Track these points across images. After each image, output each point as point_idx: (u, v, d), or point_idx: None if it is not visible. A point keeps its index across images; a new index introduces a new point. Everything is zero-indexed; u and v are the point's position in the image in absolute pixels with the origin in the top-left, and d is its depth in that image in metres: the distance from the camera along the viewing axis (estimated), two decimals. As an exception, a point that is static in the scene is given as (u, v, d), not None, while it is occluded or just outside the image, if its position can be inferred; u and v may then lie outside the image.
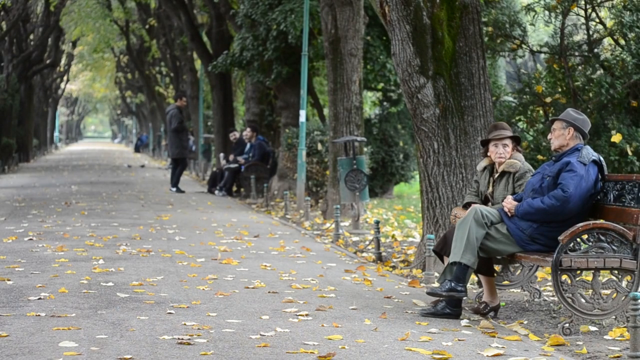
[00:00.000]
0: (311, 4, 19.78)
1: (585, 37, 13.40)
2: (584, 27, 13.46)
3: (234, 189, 23.26)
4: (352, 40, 16.37)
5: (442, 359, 6.29)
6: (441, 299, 7.88)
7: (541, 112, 13.38)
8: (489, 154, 8.57)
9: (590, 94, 12.83)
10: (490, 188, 8.53)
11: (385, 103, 25.19)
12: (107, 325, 7.15)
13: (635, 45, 12.59)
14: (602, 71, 13.01)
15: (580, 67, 13.36)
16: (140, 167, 40.28)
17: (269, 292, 8.84)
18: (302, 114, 18.52)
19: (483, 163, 8.68)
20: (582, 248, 7.30)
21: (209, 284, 9.25)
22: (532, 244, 7.78)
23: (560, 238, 7.27)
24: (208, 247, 12.21)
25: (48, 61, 46.68)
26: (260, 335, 6.89)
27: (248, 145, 23.29)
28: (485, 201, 8.58)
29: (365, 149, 17.53)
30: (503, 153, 8.44)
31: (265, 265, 10.61)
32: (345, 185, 15.21)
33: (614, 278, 7.33)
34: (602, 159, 7.83)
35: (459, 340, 6.91)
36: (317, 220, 16.71)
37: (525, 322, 7.91)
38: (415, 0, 10.19)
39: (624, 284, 7.33)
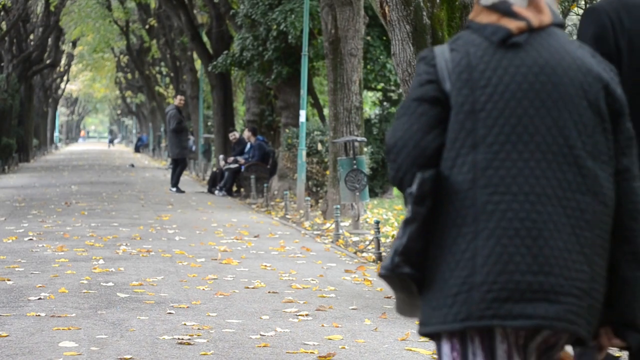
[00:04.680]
0: (311, 4, 19.79)
1: (585, 37, 13.40)
2: (584, 27, 13.46)
3: (234, 189, 23.26)
4: (352, 40, 16.38)
5: (442, 359, 6.28)
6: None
7: (541, 112, 13.38)
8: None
9: (590, 94, 12.84)
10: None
11: (385, 103, 25.19)
12: (107, 325, 7.15)
13: (635, 45, 12.61)
14: (602, 71, 13.02)
15: (580, 67, 13.37)
16: (130, 166, 40.30)
17: (269, 292, 8.84)
18: (302, 114, 18.53)
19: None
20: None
21: (209, 284, 9.25)
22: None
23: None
24: (208, 247, 12.21)
25: (48, 61, 46.69)
26: (260, 335, 6.89)
27: (248, 146, 23.29)
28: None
29: (365, 149, 17.54)
30: None
31: (265, 265, 10.61)
32: (345, 185, 15.22)
33: (614, 278, 7.31)
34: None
35: (459, 340, 6.90)
36: (317, 220, 16.72)
37: (525, 322, 7.91)
38: (415, 0, 10.19)
39: (624, 284, 7.32)
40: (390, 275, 2.79)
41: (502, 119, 2.78)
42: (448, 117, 2.83)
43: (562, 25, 2.91)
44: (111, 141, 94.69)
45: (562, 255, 2.74)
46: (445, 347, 2.82)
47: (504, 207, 2.74)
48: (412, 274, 2.80)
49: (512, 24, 2.83)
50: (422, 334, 2.83)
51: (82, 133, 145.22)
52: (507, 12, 2.86)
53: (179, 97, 24.92)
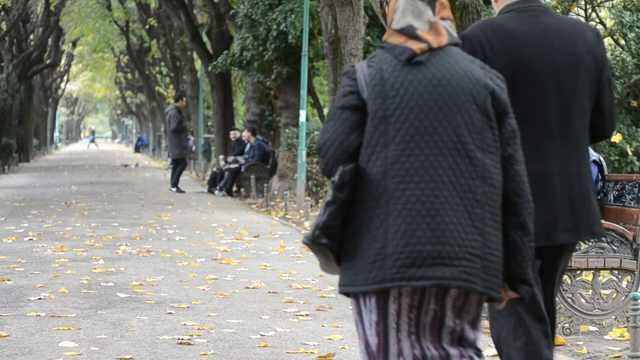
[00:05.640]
0: (311, 4, 19.78)
1: (585, 37, 13.39)
2: (584, 27, 13.45)
3: (234, 189, 23.25)
4: (352, 40, 16.38)
5: (442, 359, 6.28)
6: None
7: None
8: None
9: (591, 94, 12.83)
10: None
11: (385, 103, 25.16)
12: (107, 325, 7.16)
13: (635, 45, 12.61)
14: (602, 71, 13.00)
15: (580, 67, 13.35)
16: (124, 166, 40.32)
17: (269, 292, 8.84)
18: (302, 114, 18.53)
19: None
20: (582, 248, 7.30)
21: (209, 284, 9.25)
22: (532, 244, 7.77)
23: (560, 238, 7.27)
24: (208, 247, 12.21)
25: (48, 61, 46.70)
26: (260, 335, 6.89)
27: (248, 146, 23.29)
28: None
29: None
30: None
31: (265, 265, 10.61)
32: (345, 185, 15.18)
33: (614, 278, 7.33)
34: (602, 159, 7.83)
35: (459, 340, 6.90)
36: (317, 220, 16.70)
37: (525, 322, 7.91)
38: (415, 0, 10.19)
39: (624, 284, 7.33)
40: (311, 244, 3.58)
41: (408, 122, 3.50)
42: (366, 121, 3.54)
43: (457, 44, 3.63)
44: (92, 141, 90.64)
45: (456, 229, 3.45)
46: (356, 303, 3.61)
47: (408, 193, 3.46)
48: (329, 244, 3.55)
49: (416, 46, 3.57)
50: (344, 292, 3.63)
51: (87, 133, 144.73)
52: (412, 35, 3.59)
53: (184, 99, 24.96)
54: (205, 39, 32.88)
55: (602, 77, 4.17)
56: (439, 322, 3.54)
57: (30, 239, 12.82)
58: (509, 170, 3.59)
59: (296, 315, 7.69)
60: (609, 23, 13.56)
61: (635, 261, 7.27)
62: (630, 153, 12.32)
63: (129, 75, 60.55)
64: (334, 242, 3.56)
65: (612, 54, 13.31)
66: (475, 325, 3.60)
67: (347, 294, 3.64)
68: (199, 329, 7.06)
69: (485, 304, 3.73)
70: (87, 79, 71.09)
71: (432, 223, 3.44)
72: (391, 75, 3.54)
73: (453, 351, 3.56)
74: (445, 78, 3.54)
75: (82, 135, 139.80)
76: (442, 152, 3.48)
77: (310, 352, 6.38)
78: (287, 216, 17.48)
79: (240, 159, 23.07)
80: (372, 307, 3.54)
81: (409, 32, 3.60)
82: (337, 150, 3.54)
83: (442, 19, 3.65)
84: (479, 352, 3.61)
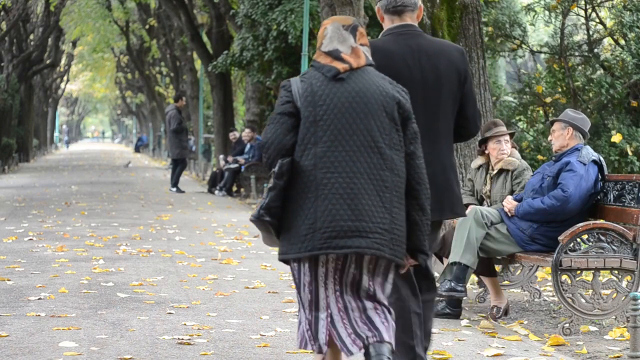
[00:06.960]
0: (311, 4, 19.77)
1: (585, 37, 13.41)
2: (584, 27, 13.48)
3: (234, 189, 23.24)
4: (352, 40, 16.35)
5: (442, 359, 6.29)
6: (441, 299, 7.87)
7: (541, 112, 13.40)
8: (487, 151, 8.52)
9: (590, 94, 12.84)
10: (488, 186, 8.50)
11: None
12: (107, 325, 7.15)
13: (635, 45, 12.60)
14: (602, 71, 13.02)
15: (580, 67, 13.37)
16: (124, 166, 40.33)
17: (269, 292, 8.84)
18: (302, 114, 18.50)
19: (478, 161, 8.65)
20: (582, 248, 7.30)
21: (209, 284, 9.25)
22: (532, 244, 7.77)
23: (560, 238, 7.27)
24: (208, 247, 12.21)
25: (48, 61, 46.65)
26: (260, 335, 6.89)
27: (248, 146, 23.27)
28: (481, 201, 8.56)
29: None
30: (505, 149, 8.40)
31: (265, 265, 10.61)
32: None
33: (614, 278, 7.32)
34: (602, 158, 7.82)
35: (459, 340, 6.90)
36: (317, 220, 16.68)
37: (525, 322, 7.91)
38: (415, 0, 10.18)
39: (624, 284, 7.33)
40: (256, 221, 4.53)
41: (332, 125, 4.51)
42: (299, 125, 4.54)
43: (372, 65, 4.66)
44: (67, 142, 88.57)
45: (370, 209, 4.46)
46: (294, 268, 4.59)
47: (333, 181, 4.46)
48: (271, 221, 4.51)
49: (340, 66, 4.60)
50: (283, 259, 4.55)
51: (97, 133, 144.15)
52: (337, 57, 4.62)
53: (183, 98, 24.94)
54: (205, 39, 32.85)
55: (464, 88, 5.14)
56: (358, 283, 4.54)
57: (30, 239, 12.81)
58: (411, 164, 4.60)
59: (296, 315, 7.69)
60: (609, 23, 13.55)
61: (635, 261, 7.27)
62: (630, 153, 12.31)
63: (129, 75, 60.51)
64: (275, 220, 4.51)
65: (612, 54, 13.30)
66: (384, 287, 4.59)
67: (286, 262, 4.57)
68: (199, 329, 7.06)
69: None
70: (87, 79, 71.05)
71: (352, 204, 4.43)
72: (319, 88, 4.54)
73: (368, 304, 4.56)
74: (362, 91, 4.55)
75: (90, 135, 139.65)
76: (360, 149, 4.49)
77: (310, 352, 6.37)
78: (287, 216, 17.46)
79: (240, 159, 23.05)
80: (306, 270, 4.53)
81: (335, 55, 4.61)
82: (277, 147, 4.51)
83: (362, 44, 4.65)
84: (388, 309, 4.60)
